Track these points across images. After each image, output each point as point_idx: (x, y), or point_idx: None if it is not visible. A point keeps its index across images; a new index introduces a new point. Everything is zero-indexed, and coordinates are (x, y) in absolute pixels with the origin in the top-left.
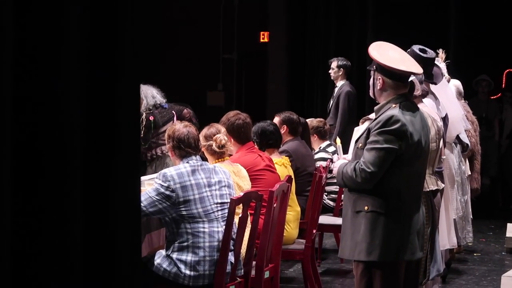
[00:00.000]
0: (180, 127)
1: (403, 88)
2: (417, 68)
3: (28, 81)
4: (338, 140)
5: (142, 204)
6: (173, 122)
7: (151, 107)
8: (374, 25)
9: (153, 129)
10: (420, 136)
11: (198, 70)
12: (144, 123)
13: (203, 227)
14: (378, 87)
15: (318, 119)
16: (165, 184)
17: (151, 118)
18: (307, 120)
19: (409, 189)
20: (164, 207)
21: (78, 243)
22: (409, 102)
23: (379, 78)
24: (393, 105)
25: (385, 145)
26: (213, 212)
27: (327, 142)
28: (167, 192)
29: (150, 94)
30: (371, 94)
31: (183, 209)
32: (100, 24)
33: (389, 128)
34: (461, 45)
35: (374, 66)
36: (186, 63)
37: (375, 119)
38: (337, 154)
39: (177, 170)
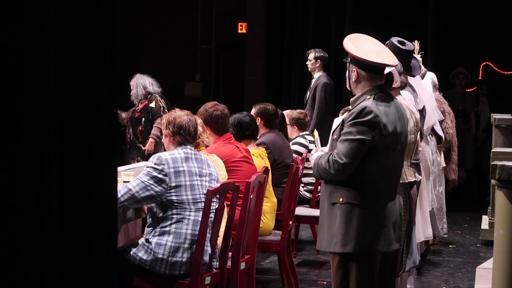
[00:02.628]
0: (181, 114)
1: (378, 80)
2: (392, 60)
3: (5, 67)
4: (315, 133)
5: (133, 190)
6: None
7: (142, 97)
8: (352, 17)
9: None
10: (395, 127)
11: (176, 60)
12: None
13: (189, 215)
14: (353, 79)
15: (299, 110)
16: (159, 167)
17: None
18: (287, 111)
19: (385, 181)
20: (156, 192)
21: (53, 232)
22: (384, 94)
23: (354, 70)
24: (368, 97)
25: (357, 136)
26: (201, 201)
27: (306, 133)
28: (160, 176)
29: (142, 84)
30: (347, 86)
31: (173, 194)
32: (79, 13)
33: (362, 120)
34: (438, 37)
35: (349, 58)
36: (164, 53)
37: (350, 110)
38: (315, 146)
39: (172, 155)
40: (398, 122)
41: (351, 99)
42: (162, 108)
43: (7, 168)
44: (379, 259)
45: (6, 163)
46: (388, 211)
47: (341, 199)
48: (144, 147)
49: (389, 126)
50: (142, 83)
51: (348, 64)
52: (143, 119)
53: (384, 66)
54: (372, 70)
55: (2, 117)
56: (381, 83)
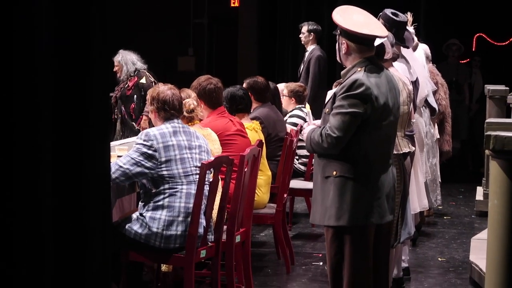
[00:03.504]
0: (164, 89)
1: (368, 52)
2: (382, 31)
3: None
4: (308, 106)
5: (124, 167)
6: None
7: (132, 73)
8: None
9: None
10: (386, 98)
11: (168, 35)
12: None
13: (181, 188)
14: (343, 52)
15: (299, 83)
16: (148, 143)
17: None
18: (285, 84)
19: (378, 153)
20: (146, 168)
21: (47, 208)
22: (375, 65)
23: (344, 43)
24: (359, 69)
25: (350, 110)
26: (192, 174)
27: (302, 106)
28: (150, 152)
29: (130, 61)
30: (337, 58)
31: (164, 169)
32: None
33: (354, 92)
34: (431, 9)
35: (338, 31)
36: (156, 28)
37: (341, 83)
38: (307, 120)
39: (160, 130)
40: (389, 94)
41: (342, 72)
42: (153, 83)
43: None
44: (373, 232)
45: None
46: (381, 183)
47: (334, 173)
48: (137, 125)
49: (380, 98)
50: (130, 59)
51: (337, 36)
52: (135, 96)
53: (373, 37)
54: (361, 42)
55: None
56: (372, 55)
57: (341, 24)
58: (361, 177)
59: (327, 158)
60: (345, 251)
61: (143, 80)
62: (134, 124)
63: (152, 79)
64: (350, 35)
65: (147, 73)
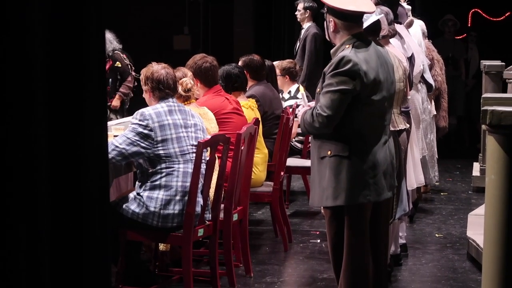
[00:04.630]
0: (158, 68)
1: (356, 28)
2: (369, 7)
3: None
4: (301, 88)
5: (121, 147)
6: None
7: (109, 53)
8: None
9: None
10: (377, 73)
11: (164, 14)
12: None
13: (178, 167)
14: (331, 30)
15: (288, 60)
16: (144, 123)
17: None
18: (276, 62)
19: (371, 129)
20: (142, 147)
21: (44, 188)
22: (363, 41)
23: (331, 20)
24: (347, 46)
25: (338, 87)
26: (188, 153)
27: (296, 86)
28: (146, 131)
29: (107, 40)
30: (326, 37)
31: (160, 148)
32: None
33: (341, 70)
34: None
35: (326, 9)
36: (151, 7)
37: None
38: (302, 102)
39: (155, 110)
40: (380, 68)
41: (331, 50)
42: (129, 66)
43: None
44: (369, 210)
45: None
46: (377, 160)
47: (329, 152)
48: (109, 102)
49: (370, 73)
50: (107, 38)
51: (325, 14)
52: (110, 79)
53: (361, 14)
54: (349, 19)
55: None
56: (360, 31)
57: (328, 2)
58: (356, 155)
59: (321, 138)
60: (345, 230)
61: (118, 64)
62: (109, 105)
63: (127, 61)
64: (337, 13)
65: (121, 55)
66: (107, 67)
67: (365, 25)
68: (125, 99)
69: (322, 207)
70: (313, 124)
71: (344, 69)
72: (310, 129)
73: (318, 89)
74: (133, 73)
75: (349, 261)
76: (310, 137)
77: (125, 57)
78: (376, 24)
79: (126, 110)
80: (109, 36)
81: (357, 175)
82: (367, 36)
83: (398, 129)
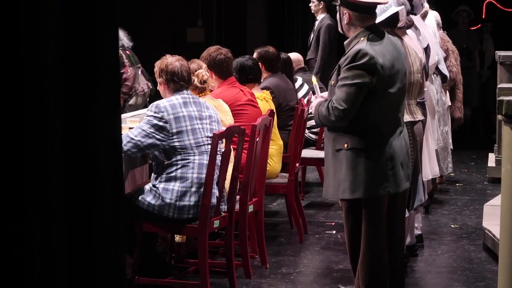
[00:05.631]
0: (172, 61)
1: (370, 20)
2: None
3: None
4: (314, 79)
5: (136, 139)
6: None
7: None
8: None
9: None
10: (392, 65)
11: (177, 6)
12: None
13: (194, 159)
14: (345, 22)
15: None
16: (159, 115)
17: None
18: (290, 54)
19: (388, 121)
20: (158, 139)
21: (59, 180)
22: (378, 33)
23: (345, 13)
24: (362, 39)
25: (355, 81)
26: (204, 145)
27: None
28: (161, 123)
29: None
30: (339, 29)
31: (175, 140)
32: None
33: (358, 63)
34: None
35: (339, 1)
36: (164, 0)
37: (345, 54)
38: (315, 93)
39: (170, 102)
40: (396, 61)
41: (345, 42)
42: (123, 63)
43: (7, 119)
44: (386, 201)
45: (6, 112)
46: (394, 151)
47: (345, 145)
48: None
49: (386, 66)
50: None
51: (338, 7)
52: None
53: (374, 5)
54: (363, 10)
55: (3, 60)
56: (374, 23)
57: None
58: (373, 147)
59: (337, 131)
60: (362, 222)
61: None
62: None
63: (125, 60)
64: (351, 4)
65: (120, 52)
66: None
67: (385, 16)
68: (126, 97)
69: (339, 199)
70: (329, 118)
71: (360, 63)
72: (325, 122)
73: (332, 82)
74: (129, 69)
75: (367, 253)
76: (324, 130)
77: (126, 54)
78: (395, 16)
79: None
80: (120, 33)
81: (376, 167)
82: (384, 27)
83: (416, 119)
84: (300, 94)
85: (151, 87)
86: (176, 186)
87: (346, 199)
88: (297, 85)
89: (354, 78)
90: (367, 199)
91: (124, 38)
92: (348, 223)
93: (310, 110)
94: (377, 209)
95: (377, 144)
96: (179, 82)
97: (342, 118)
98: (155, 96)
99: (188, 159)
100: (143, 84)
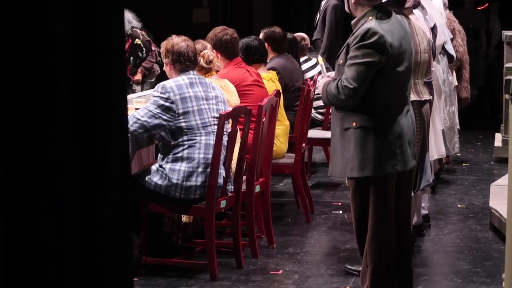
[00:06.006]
0: (178, 41)
1: None
2: None
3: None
4: (320, 59)
5: (142, 119)
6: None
7: (128, 31)
8: None
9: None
10: (400, 44)
11: None
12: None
13: (200, 139)
14: (353, 1)
15: (297, 34)
16: (165, 96)
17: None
18: (296, 34)
19: (396, 100)
20: (164, 120)
21: (67, 160)
22: (385, 12)
23: None
24: (370, 18)
25: (364, 59)
26: (210, 125)
27: (305, 57)
28: (167, 104)
29: (126, 19)
30: (346, 9)
31: (182, 120)
32: None
33: (367, 42)
34: None
35: None
36: None
37: (353, 33)
38: (321, 73)
39: (176, 82)
40: (403, 40)
41: (352, 22)
42: (149, 41)
43: (17, 99)
44: (394, 179)
45: (15, 93)
46: (402, 130)
47: (354, 124)
48: (129, 75)
49: (395, 45)
50: (126, 18)
51: None
52: (131, 57)
53: None
54: None
55: (11, 45)
56: (381, 2)
57: None
58: (382, 126)
59: (345, 110)
60: (370, 201)
61: (137, 41)
62: (131, 84)
63: (147, 37)
64: None
65: (139, 31)
66: (126, 46)
67: None
68: (146, 73)
69: (346, 178)
70: (338, 96)
71: (370, 42)
72: (334, 101)
73: (341, 61)
74: (154, 48)
75: (375, 232)
76: (331, 110)
77: (143, 33)
78: None
79: (150, 83)
80: (128, 15)
81: (384, 146)
82: (391, 7)
83: (423, 99)
84: (312, 73)
85: (159, 71)
86: (182, 166)
87: (354, 178)
88: (310, 64)
89: (364, 57)
90: (376, 177)
91: (133, 20)
92: (355, 202)
93: (317, 90)
94: (385, 187)
95: (386, 123)
96: (185, 62)
97: (352, 97)
98: (161, 76)
99: (195, 139)
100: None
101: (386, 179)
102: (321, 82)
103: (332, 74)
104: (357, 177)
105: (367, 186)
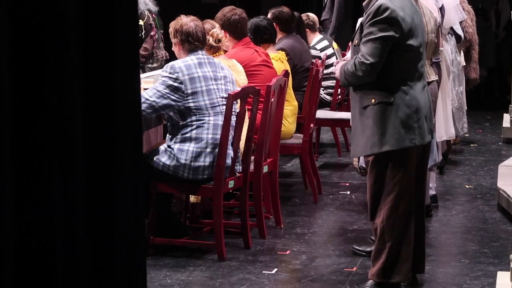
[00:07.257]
0: (187, 21)
1: None
2: None
3: None
4: (334, 44)
5: (151, 99)
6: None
7: (142, 12)
8: None
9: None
10: (412, 19)
11: None
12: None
13: (209, 120)
14: None
15: (304, 14)
16: (174, 76)
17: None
18: (302, 14)
19: (412, 74)
20: (173, 100)
21: (78, 139)
22: None
23: None
24: None
25: (379, 34)
26: (218, 105)
27: (319, 37)
28: (176, 84)
29: (143, 1)
30: None
31: (190, 101)
32: None
33: (380, 17)
34: None
35: None
36: None
37: (365, 13)
38: (336, 58)
39: (185, 62)
40: (415, 16)
41: (364, 3)
42: (150, 24)
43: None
44: (415, 154)
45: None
46: (419, 104)
47: (373, 100)
48: None
49: (407, 20)
50: (143, 0)
51: None
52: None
53: None
54: None
55: (25, 27)
56: None
57: None
58: (400, 100)
59: (363, 89)
60: (387, 177)
61: (141, 22)
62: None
63: (152, 22)
64: None
65: (148, 14)
66: None
67: None
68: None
69: (364, 156)
70: (356, 73)
71: (382, 17)
72: (352, 79)
73: (356, 41)
74: (153, 33)
75: (395, 208)
76: (350, 91)
77: (153, 16)
78: None
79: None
80: None
81: (403, 120)
82: None
83: (429, 80)
84: (330, 51)
85: (168, 57)
86: (191, 146)
87: (373, 154)
88: (323, 44)
89: (378, 32)
90: (395, 152)
91: (149, 3)
92: (371, 178)
93: (336, 74)
94: (405, 162)
95: (404, 98)
96: (194, 42)
97: (370, 73)
98: (170, 57)
99: (203, 119)
100: (164, 50)
101: (406, 153)
102: (337, 66)
103: (347, 57)
104: (377, 153)
105: (386, 162)
